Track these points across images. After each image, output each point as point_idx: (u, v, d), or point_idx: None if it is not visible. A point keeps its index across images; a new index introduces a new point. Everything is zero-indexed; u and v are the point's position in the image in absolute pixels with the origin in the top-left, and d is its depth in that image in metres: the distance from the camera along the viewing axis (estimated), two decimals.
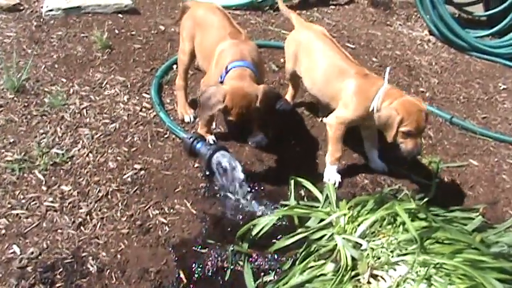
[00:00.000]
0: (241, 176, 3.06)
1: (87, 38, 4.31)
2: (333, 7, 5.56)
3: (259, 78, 3.11)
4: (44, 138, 3.34)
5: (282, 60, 4.37)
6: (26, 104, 3.58)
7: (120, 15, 4.70)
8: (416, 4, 5.32)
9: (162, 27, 4.62)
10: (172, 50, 4.27)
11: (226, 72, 3.02)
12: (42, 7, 4.60)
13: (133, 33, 4.48)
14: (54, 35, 4.31)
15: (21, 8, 4.62)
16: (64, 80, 3.84)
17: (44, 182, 3.08)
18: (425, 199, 3.22)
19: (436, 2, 5.11)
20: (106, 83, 3.87)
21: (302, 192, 3.21)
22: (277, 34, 4.77)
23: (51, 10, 4.54)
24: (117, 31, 4.46)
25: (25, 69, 3.75)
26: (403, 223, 2.59)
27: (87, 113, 3.59)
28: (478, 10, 5.69)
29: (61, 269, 2.63)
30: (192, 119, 3.61)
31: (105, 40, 4.21)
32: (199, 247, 2.82)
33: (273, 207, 3.10)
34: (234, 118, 2.95)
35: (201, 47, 3.41)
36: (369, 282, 2.45)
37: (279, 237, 2.83)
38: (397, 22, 5.56)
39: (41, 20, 4.50)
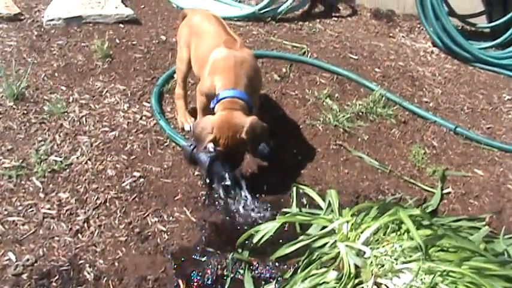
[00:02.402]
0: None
1: (88, 47, 4.28)
2: (335, 19, 5.54)
3: (253, 92, 3.13)
4: (43, 145, 3.30)
5: (283, 70, 4.34)
6: (25, 112, 3.54)
7: (121, 25, 4.67)
8: (419, 16, 5.29)
9: (164, 37, 4.60)
10: (173, 59, 4.22)
11: (218, 100, 3.01)
12: (43, 17, 4.58)
13: (134, 42, 4.45)
14: (54, 44, 4.28)
15: (22, 17, 4.60)
16: (64, 88, 3.81)
17: (41, 189, 3.03)
18: (430, 208, 3.18)
19: (439, 14, 5.08)
20: (106, 92, 3.83)
21: (304, 200, 3.15)
22: (279, 45, 4.74)
23: (52, 20, 4.52)
24: (118, 40, 4.43)
25: (25, 77, 3.72)
26: (408, 230, 2.53)
27: (86, 121, 3.55)
28: (481, 22, 5.66)
29: (57, 277, 2.58)
30: (192, 128, 3.57)
31: (105, 49, 4.18)
32: (199, 255, 2.76)
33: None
34: (222, 148, 2.95)
35: (196, 55, 3.38)
36: None
37: (280, 244, 2.77)
38: (400, 34, 5.53)
39: (42, 29, 4.47)
